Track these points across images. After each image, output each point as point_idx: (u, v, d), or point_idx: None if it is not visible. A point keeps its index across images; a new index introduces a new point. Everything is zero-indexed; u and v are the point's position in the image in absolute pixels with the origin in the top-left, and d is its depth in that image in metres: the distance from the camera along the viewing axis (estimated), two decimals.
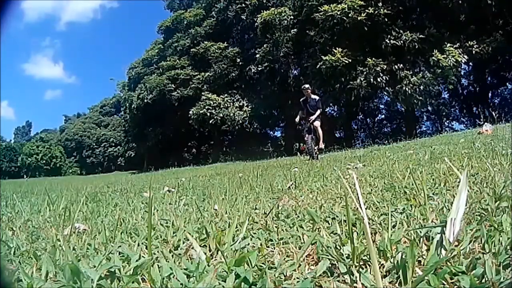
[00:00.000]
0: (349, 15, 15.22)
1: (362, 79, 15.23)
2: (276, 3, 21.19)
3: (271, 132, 29.83)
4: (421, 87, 14.71)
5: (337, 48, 15.54)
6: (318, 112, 7.58)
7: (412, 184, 1.39)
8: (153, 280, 0.66)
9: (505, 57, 17.87)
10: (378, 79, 15.12)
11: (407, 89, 14.76)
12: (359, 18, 15.09)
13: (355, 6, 15.25)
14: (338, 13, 15.39)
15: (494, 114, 7.94)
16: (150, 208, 0.78)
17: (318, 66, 15.81)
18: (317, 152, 7.59)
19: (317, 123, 7.58)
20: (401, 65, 15.32)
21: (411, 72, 15.28)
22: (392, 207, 1.12)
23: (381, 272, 0.65)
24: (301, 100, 8.01)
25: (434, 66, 14.66)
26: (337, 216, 1.08)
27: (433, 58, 14.40)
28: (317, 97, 7.68)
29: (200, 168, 13.94)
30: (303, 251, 0.76)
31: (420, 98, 14.88)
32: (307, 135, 7.54)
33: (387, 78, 15.19)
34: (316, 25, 16.72)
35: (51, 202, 2.16)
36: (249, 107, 22.04)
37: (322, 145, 7.68)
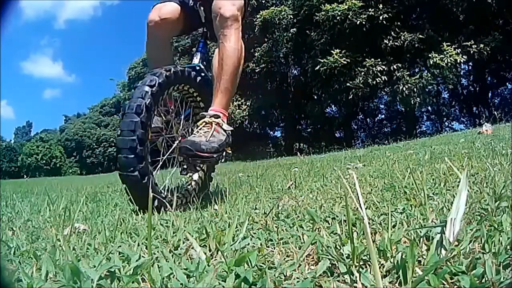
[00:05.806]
0: (349, 16, 15.25)
1: (360, 79, 15.27)
2: (276, 3, 21.20)
3: (271, 132, 29.77)
4: (419, 86, 14.74)
5: (335, 50, 15.58)
6: None
7: (412, 184, 1.39)
8: (153, 280, 0.66)
9: (505, 57, 17.87)
10: (377, 79, 15.15)
11: (404, 88, 14.79)
12: (359, 21, 15.12)
13: (356, 7, 15.28)
14: (339, 13, 15.42)
15: (496, 114, 7.93)
16: (150, 208, 0.78)
17: (317, 68, 15.85)
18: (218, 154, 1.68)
19: (230, 9, 1.66)
20: (399, 64, 15.36)
21: (408, 72, 15.32)
22: (392, 207, 1.12)
23: (381, 272, 0.65)
24: None
25: (432, 66, 14.71)
26: (337, 216, 1.08)
27: (430, 60, 14.45)
28: None
29: None
30: (303, 251, 0.76)
31: (418, 98, 14.92)
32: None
33: (386, 79, 15.23)
34: (316, 25, 16.75)
35: (51, 202, 2.16)
36: (248, 106, 22.06)
37: (225, 128, 1.67)
